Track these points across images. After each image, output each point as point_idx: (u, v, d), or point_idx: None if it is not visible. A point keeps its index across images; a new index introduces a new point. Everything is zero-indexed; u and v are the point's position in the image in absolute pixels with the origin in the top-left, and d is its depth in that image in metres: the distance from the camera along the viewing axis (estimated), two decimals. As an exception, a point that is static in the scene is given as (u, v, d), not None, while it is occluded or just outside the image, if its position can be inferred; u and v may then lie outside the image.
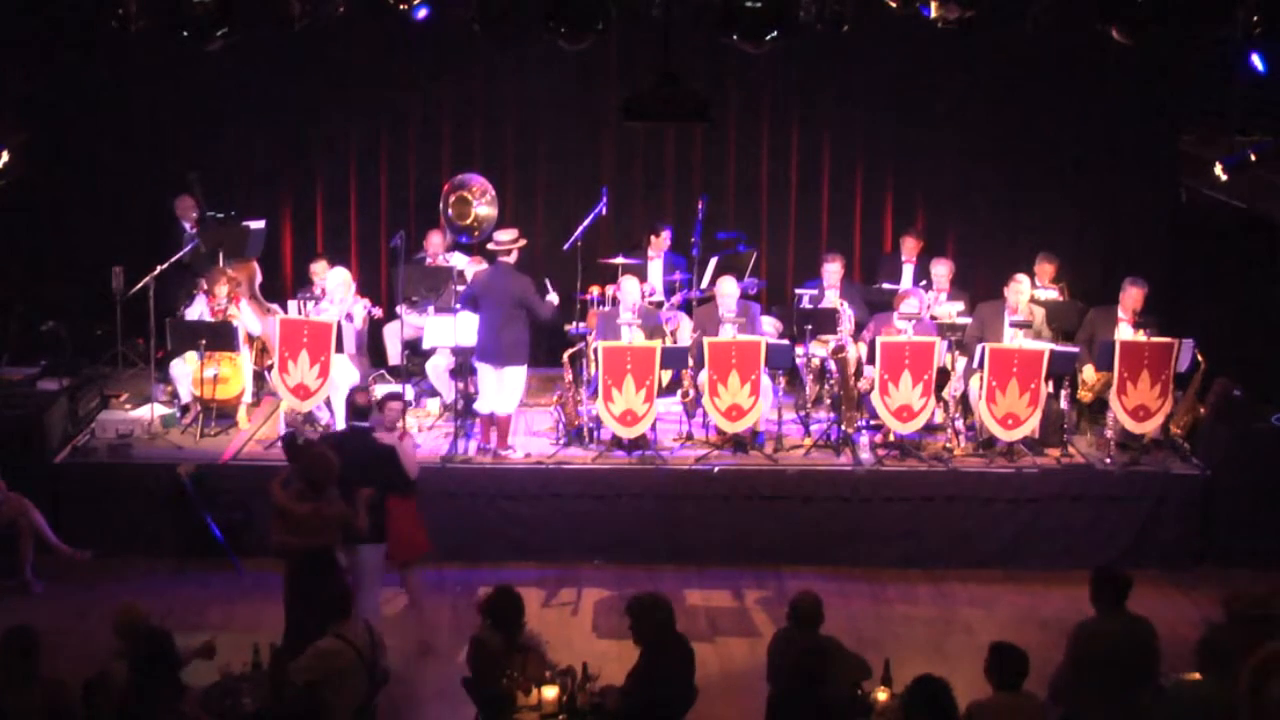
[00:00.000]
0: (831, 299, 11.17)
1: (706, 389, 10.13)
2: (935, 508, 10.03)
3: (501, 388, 10.10)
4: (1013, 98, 12.17)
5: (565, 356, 10.63)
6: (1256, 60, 9.71)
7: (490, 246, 10.33)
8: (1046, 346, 10.15)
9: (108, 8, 9.42)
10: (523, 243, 10.27)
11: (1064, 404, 10.42)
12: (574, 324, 11.10)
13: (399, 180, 12.73)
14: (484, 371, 10.14)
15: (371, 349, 11.28)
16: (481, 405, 10.24)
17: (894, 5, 9.73)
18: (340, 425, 10.36)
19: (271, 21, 9.85)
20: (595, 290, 11.46)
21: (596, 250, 11.85)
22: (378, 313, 10.98)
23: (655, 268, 12.03)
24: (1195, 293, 11.73)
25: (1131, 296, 10.36)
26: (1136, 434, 10.18)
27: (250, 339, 11.04)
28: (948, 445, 10.37)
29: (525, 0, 9.53)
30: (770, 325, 11.17)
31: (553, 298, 10.43)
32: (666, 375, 10.50)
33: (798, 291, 11.54)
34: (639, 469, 10.10)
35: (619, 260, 11.46)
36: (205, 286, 10.94)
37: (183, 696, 6.16)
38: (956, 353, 10.57)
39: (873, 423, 10.36)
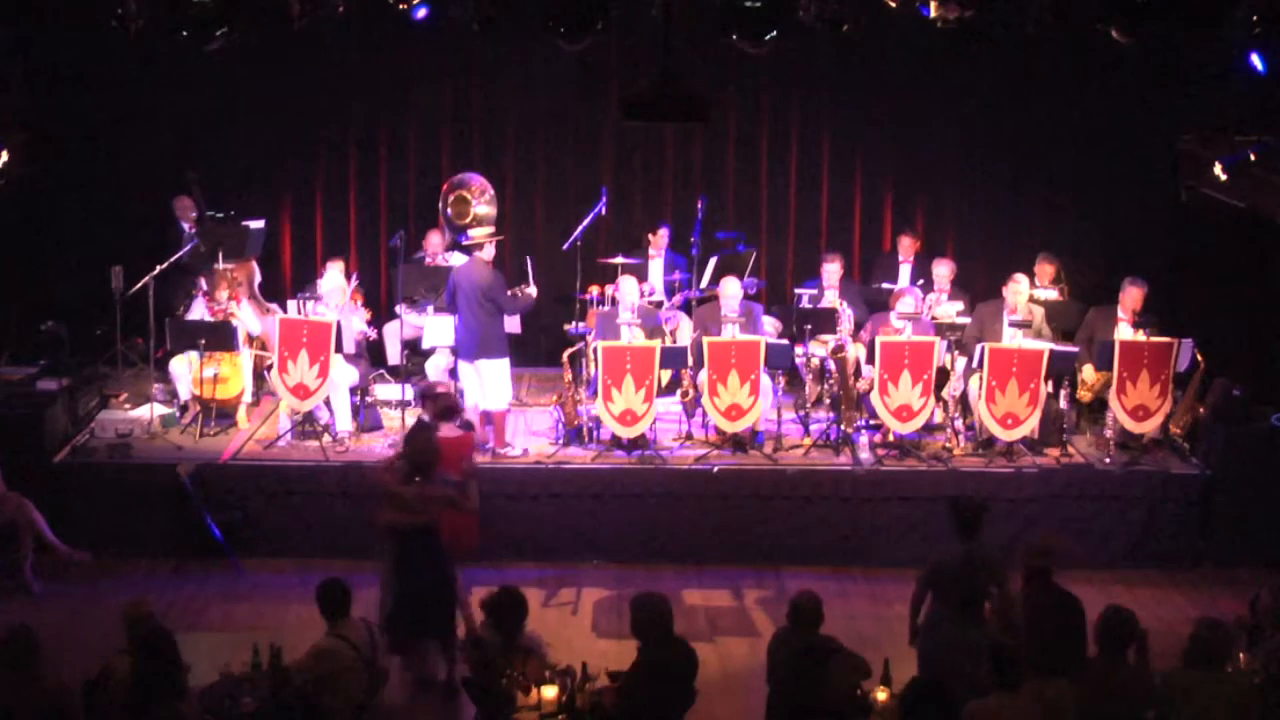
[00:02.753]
0: (831, 299, 11.18)
1: (706, 389, 10.13)
2: (935, 508, 10.02)
3: (482, 383, 10.09)
4: (1013, 98, 12.18)
5: (565, 356, 10.63)
6: (1256, 60, 9.70)
7: (465, 242, 10.36)
8: (1046, 346, 10.15)
9: (108, 8, 9.42)
10: (499, 237, 10.29)
11: (1063, 404, 10.42)
12: (574, 324, 11.11)
13: (399, 180, 12.74)
14: (462, 367, 10.16)
15: (371, 348, 11.27)
16: (468, 403, 10.24)
17: (894, 5, 9.73)
18: (341, 426, 10.42)
19: (271, 21, 9.86)
20: (595, 290, 11.46)
21: (596, 250, 11.86)
22: (372, 334, 10.96)
23: (655, 267, 12.04)
24: (1195, 293, 11.73)
25: (1131, 296, 10.36)
26: (1136, 434, 10.18)
27: (250, 339, 11.04)
28: (947, 445, 10.37)
29: (525, 0, 9.54)
30: (770, 325, 11.18)
31: (531, 290, 10.37)
32: (666, 375, 10.50)
33: (797, 291, 11.54)
34: (639, 469, 10.09)
35: (619, 260, 11.47)
36: (204, 287, 10.94)
37: (184, 697, 6.15)
38: (956, 353, 10.57)
39: (872, 422, 10.36)
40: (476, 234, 10.20)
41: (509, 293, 10.12)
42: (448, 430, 8.51)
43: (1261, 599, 7.60)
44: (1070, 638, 6.70)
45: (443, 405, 8.68)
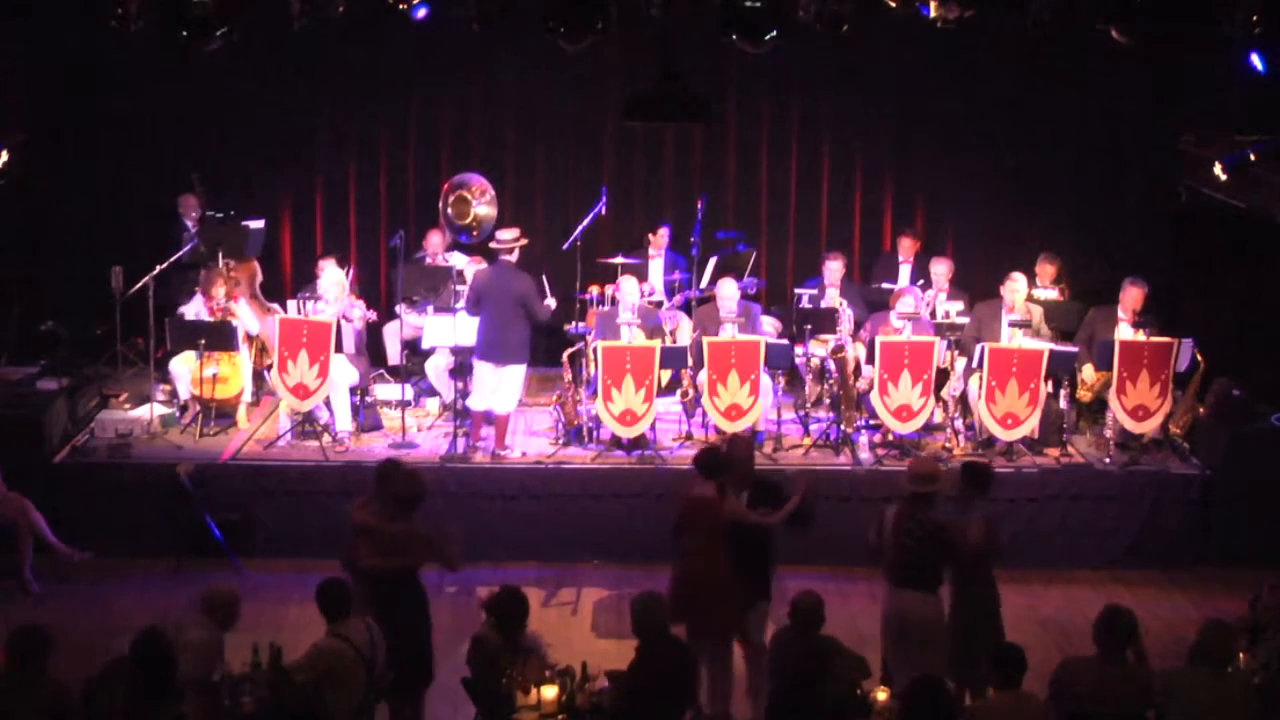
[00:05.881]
0: (832, 297, 11.17)
1: (706, 388, 10.13)
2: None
3: (500, 386, 10.09)
4: (1012, 98, 12.17)
5: (565, 356, 10.63)
6: (1256, 60, 9.70)
7: (492, 245, 10.34)
8: (1046, 346, 10.15)
9: (108, 8, 9.42)
10: (524, 241, 10.27)
11: (1063, 404, 10.42)
12: (574, 324, 11.10)
13: (399, 180, 12.74)
14: (483, 369, 10.12)
15: (371, 348, 11.28)
16: (475, 402, 10.21)
17: (894, 5, 9.73)
18: (341, 425, 10.42)
19: (271, 21, 9.85)
20: (595, 290, 11.46)
21: (596, 250, 11.86)
22: (373, 316, 10.96)
23: (655, 267, 12.04)
24: (1195, 293, 11.73)
25: (1131, 296, 10.36)
26: (1136, 434, 10.18)
27: (249, 338, 11.03)
28: (947, 445, 10.37)
29: (525, 0, 9.53)
30: (770, 325, 11.18)
31: (550, 302, 10.40)
32: (666, 375, 10.50)
33: (797, 291, 11.54)
34: (639, 469, 10.09)
35: (619, 260, 11.47)
36: (202, 287, 10.93)
37: (181, 697, 6.14)
38: (955, 352, 10.57)
39: (872, 422, 10.36)
40: (505, 237, 10.15)
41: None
42: (703, 488, 7.69)
43: (1262, 599, 7.61)
44: (935, 559, 7.25)
45: (704, 461, 7.82)
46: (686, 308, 11.57)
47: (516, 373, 10.12)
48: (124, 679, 6.10)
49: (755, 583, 7.67)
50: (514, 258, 10.10)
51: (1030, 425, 10.10)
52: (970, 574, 7.37)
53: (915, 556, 7.21)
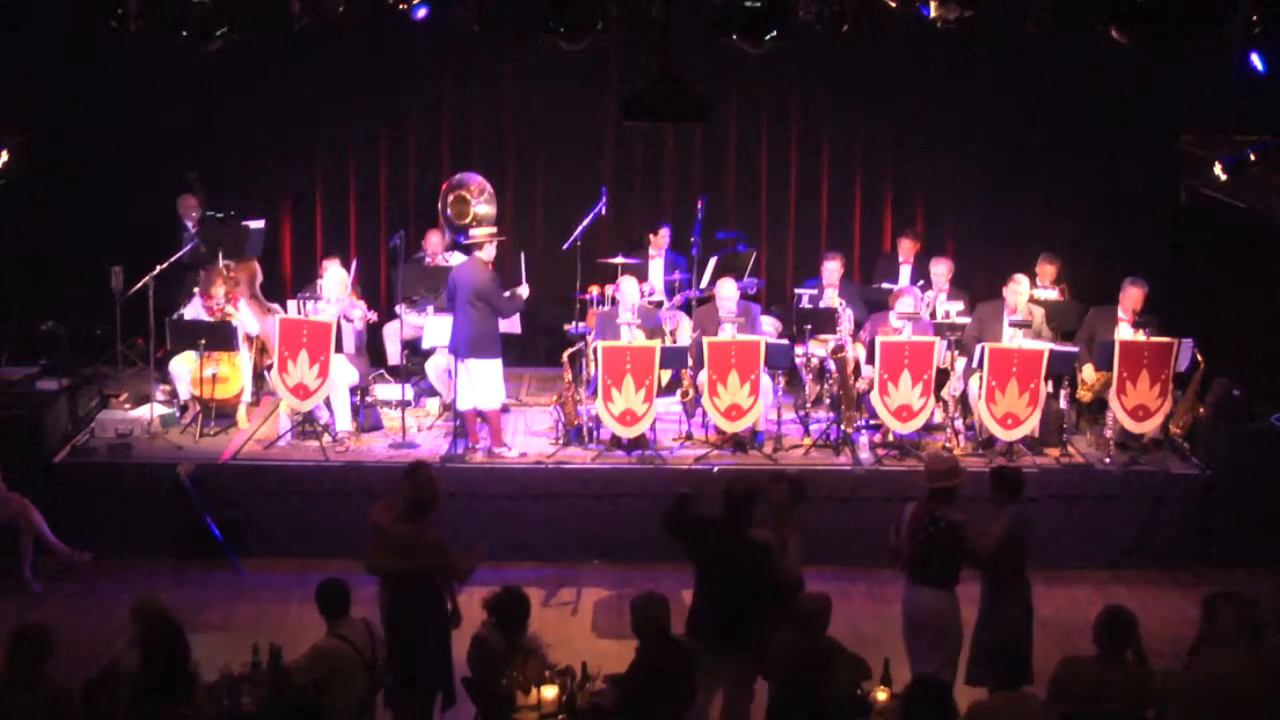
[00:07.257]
0: (831, 297, 11.18)
1: (706, 388, 10.14)
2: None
3: (471, 382, 10.09)
4: (1012, 98, 12.17)
5: (565, 356, 10.63)
6: (1256, 60, 9.70)
7: (465, 241, 10.36)
8: (1046, 346, 10.15)
9: (108, 8, 9.42)
10: (500, 237, 10.29)
11: (1063, 404, 10.42)
12: (574, 324, 11.11)
13: (399, 180, 12.75)
14: (457, 366, 10.15)
15: (371, 348, 11.28)
16: (461, 402, 10.22)
17: (894, 5, 9.73)
18: (341, 425, 10.42)
19: (271, 22, 9.86)
20: (595, 290, 11.47)
21: (596, 250, 11.86)
22: (373, 316, 10.95)
23: (655, 267, 12.04)
24: (1195, 293, 11.73)
25: (1131, 296, 10.37)
26: (1136, 434, 10.19)
27: (250, 338, 11.04)
28: (947, 445, 10.37)
29: (525, 0, 9.54)
30: (770, 325, 11.18)
31: (523, 290, 10.33)
32: (666, 375, 10.50)
33: (797, 291, 11.54)
34: (639, 469, 10.09)
35: (619, 260, 11.47)
36: (201, 287, 10.93)
37: (189, 698, 6.14)
38: (956, 352, 10.57)
39: (872, 422, 10.36)
40: (477, 233, 10.20)
41: (505, 294, 10.11)
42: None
43: (1262, 598, 7.60)
44: (950, 557, 7.22)
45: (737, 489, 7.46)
46: (686, 308, 11.57)
47: (487, 367, 10.08)
48: (124, 679, 6.11)
49: (723, 632, 7.07)
50: (486, 254, 10.10)
51: (1030, 425, 10.09)
52: (992, 575, 7.36)
53: (929, 554, 7.21)
